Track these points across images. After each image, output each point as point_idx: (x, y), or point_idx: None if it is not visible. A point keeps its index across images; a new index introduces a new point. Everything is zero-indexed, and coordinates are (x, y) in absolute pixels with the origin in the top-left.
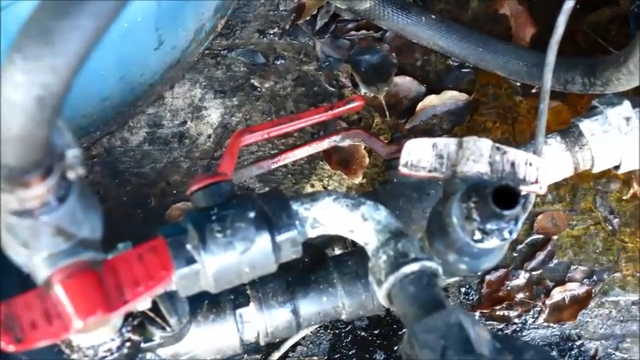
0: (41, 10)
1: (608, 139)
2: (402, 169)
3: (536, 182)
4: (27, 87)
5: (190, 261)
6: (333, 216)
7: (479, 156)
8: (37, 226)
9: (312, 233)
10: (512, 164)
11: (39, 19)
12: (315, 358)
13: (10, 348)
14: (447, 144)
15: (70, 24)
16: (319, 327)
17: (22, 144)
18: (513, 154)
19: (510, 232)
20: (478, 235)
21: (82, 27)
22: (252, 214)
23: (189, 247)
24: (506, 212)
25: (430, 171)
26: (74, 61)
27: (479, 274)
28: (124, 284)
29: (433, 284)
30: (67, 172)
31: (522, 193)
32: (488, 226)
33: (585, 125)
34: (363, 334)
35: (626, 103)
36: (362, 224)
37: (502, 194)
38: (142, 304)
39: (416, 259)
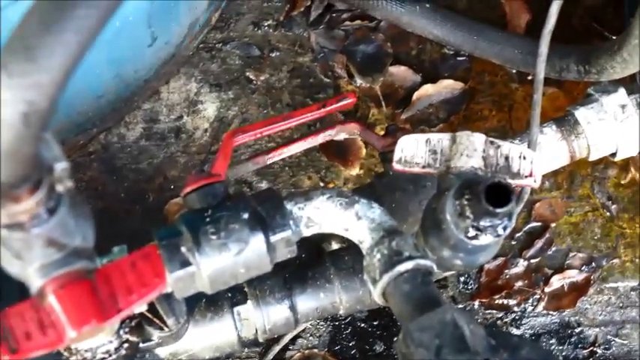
0: (24, 26)
1: (604, 127)
2: (396, 166)
3: (531, 175)
4: (12, 104)
5: (185, 264)
6: (327, 215)
7: (472, 151)
8: (29, 239)
9: (306, 232)
10: (506, 158)
11: (22, 35)
12: (316, 350)
13: (6, 359)
14: (440, 139)
15: (53, 40)
16: (318, 320)
17: (9, 160)
18: (507, 147)
19: (504, 229)
20: (472, 232)
21: (66, 42)
22: (245, 215)
23: (183, 249)
24: (499, 210)
25: (424, 167)
26: (59, 76)
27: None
28: (118, 292)
29: (427, 282)
30: (55, 185)
31: (515, 188)
32: (482, 223)
33: (581, 113)
34: (362, 325)
35: (622, 91)
36: (356, 223)
37: (495, 190)
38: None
39: (410, 258)
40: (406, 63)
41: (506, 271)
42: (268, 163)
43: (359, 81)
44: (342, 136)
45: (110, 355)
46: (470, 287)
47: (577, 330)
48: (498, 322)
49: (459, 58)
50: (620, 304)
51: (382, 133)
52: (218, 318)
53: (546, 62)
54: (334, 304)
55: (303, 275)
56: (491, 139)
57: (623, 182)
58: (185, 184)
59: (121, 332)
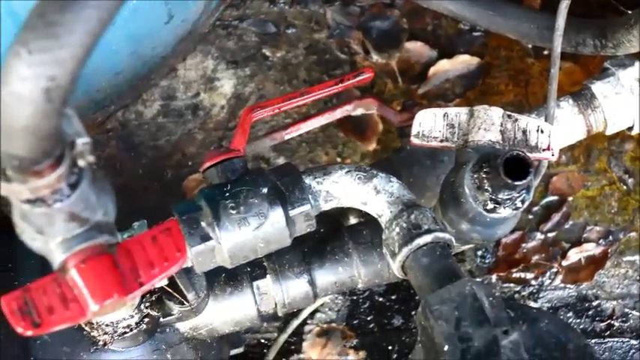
0: (45, 3)
1: (621, 101)
2: (414, 140)
3: (549, 149)
4: (33, 80)
5: (205, 238)
6: (345, 189)
7: (490, 124)
8: (51, 213)
9: (325, 206)
10: (524, 132)
11: (43, 11)
12: (334, 324)
13: (29, 333)
14: (458, 113)
15: (74, 16)
16: (337, 294)
17: (32, 135)
18: (524, 121)
19: (523, 201)
20: (490, 205)
21: (87, 18)
22: (265, 190)
23: (203, 224)
24: (517, 183)
25: (442, 141)
26: (80, 52)
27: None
28: (139, 266)
29: (446, 255)
30: (77, 160)
31: (533, 162)
32: (500, 196)
33: (597, 87)
34: (380, 299)
35: (638, 64)
36: (374, 197)
37: (513, 163)
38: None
39: (429, 231)
40: (422, 39)
41: (524, 244)
42: (286, 139)
43: (375, 57)
44: (359, 112)
45: (131, 330)
46: (487, 261)
47: (594, 303)
48: (516, 295)
49: (474, 34)
50: (638, 277)
51: (398, 108)
52: (238, 292)
53: (563, 36)
54: (353, 278)
55: (322, 249)
56: (508, 112)
57: (639, 156)
58: (204, 160)
59: (142, 307)
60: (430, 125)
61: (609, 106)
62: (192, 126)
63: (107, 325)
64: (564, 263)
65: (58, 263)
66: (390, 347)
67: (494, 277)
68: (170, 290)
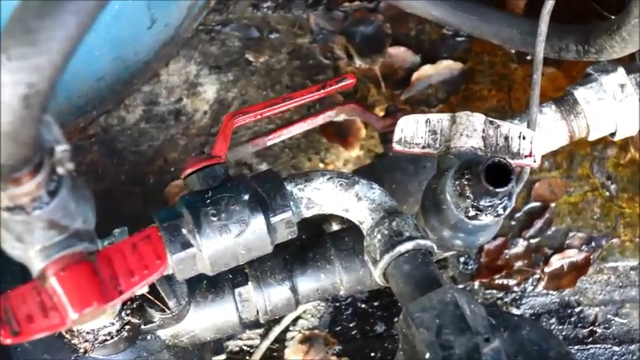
0: (23, 10)
1: (603, 107)
2: (396, 146)
3: (530, 155)
4: (12, 86)
5: (186, 245)
6: (327, 196)
7: (472, 131)
8: (30, 221)
9: (307, 213)
10: (506, 138)
11: (22, 18)
12: (317, 331)
13: (8, 341)
14: (440, 119)
15: (52, 23)
16: (319, 300)
17: (10, 142)
18: (507, 127)
19: (504, 208)
20: (472, 212)
21: (65, 25)
22: (246, 197)
23: (184, 231)
24: (499, 189)
25: (424, 147)
26: (59, 59)
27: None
28: (119, 274)
29: (428, 262)
30: (56, 167)
31: (515, 168)
32: (482, 203)
33: (580, 93)
34: (363, 306)
35: (621, 70)
36: (356, 204)
37: (495, 170)
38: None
39: (410, 238)
40: (405, 44)
41: (506, 251)
42: (268, 144)
43: (358, 62)
44: (341, 118)
45: (112, 337)
46: (470, 268)
47: (577, 309)
48: (498, 302)
49: (458, 39)
50: (620, 284)
51: (382, 114)
52: (219, 299)
53: (545, 42)
54: (335, 284)
55: (304, 256)
56: (490, 119)
57: (622, 162)
58: (185, 166)
59: (123, 314)
60: (412, 131)
61: (592, 111)
62: (175, 131)
63: (88, 333)
64: (547, 270)
65: (38, 271)
66: (372, 354)
67: (476, 284)
68: (151, 298)
